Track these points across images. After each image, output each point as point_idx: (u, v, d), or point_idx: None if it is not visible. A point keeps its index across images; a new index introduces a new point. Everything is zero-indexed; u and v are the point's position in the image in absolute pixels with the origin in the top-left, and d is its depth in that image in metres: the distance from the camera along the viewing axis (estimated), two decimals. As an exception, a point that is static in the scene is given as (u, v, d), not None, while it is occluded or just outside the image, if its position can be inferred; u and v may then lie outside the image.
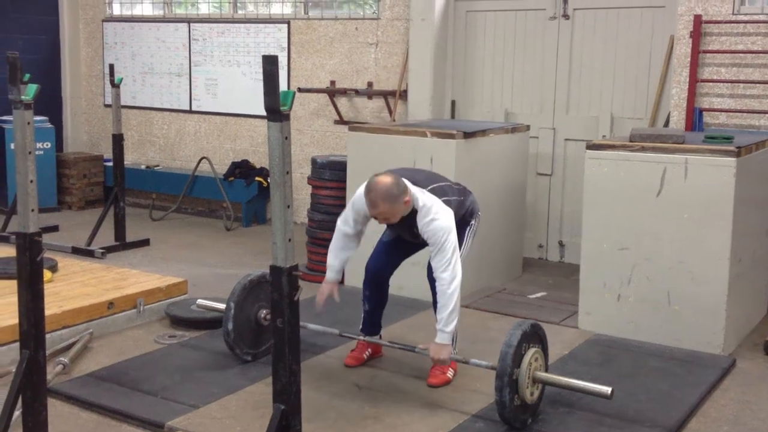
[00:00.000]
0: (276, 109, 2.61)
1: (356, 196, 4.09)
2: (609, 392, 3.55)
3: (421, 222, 3.88)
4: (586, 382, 3.68)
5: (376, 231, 4.32)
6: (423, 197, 3.93)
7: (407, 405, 3.84)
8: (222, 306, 4.44)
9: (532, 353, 3.62)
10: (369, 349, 4.40)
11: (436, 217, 3.87)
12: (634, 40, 6.32)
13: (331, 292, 4.18)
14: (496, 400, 3.53)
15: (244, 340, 4.28)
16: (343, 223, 4.17)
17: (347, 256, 4.22)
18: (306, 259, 6.15)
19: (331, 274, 4.22)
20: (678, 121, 5.99)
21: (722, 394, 4.10)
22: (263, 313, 4.30)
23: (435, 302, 4.08)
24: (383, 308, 4.38)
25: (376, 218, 3.94)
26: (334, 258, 4.21)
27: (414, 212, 3.92)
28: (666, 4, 6.14)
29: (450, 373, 4.12)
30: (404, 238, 4.17)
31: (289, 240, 2.68)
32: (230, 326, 4.22)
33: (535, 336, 3.70)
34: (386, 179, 3.84)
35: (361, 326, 4.40)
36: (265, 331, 4.33)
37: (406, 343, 4.15)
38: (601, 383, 4.02)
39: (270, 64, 2.60)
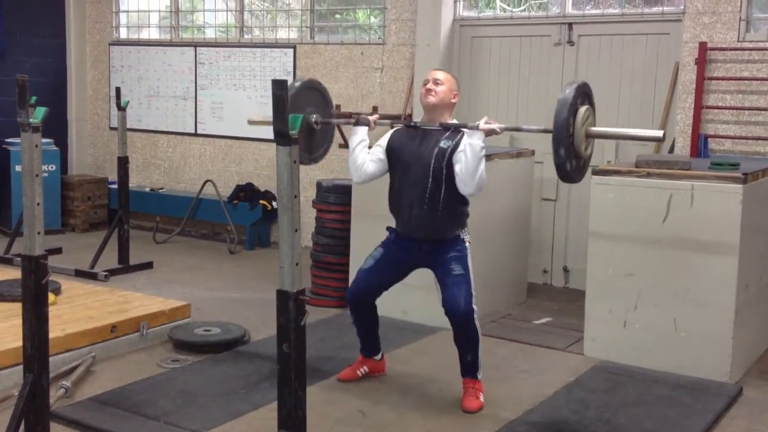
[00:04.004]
0: (285, 133, 2.61)
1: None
2: (661, 135, 3.74)
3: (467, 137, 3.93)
4: (637, 130, 4.00)
5: (364, 252, 4.32)
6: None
7: (412, 432, 3.81)
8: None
9: (584, 110, 3.68)
10: (365, 367, 4.38)
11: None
12: (639, 66, 6.34)
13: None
14: (555, 158, 3.59)
15: (301, 146, 4.21)
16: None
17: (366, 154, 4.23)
18: (310, 283, 6.13)
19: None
20: (683, 147, 5.99)
21: (729, 422, 4.06)
22: (314, 117, 4.20)
23: (455, 338, 4.07)
24: (375, 329, 4.35)
25: (426, 83, 4.05)
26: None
27: (455, 134, 3.99)
28: (671, 31, 6.17)
29: (482, 398, 4.08)
30: (417, 164, 4.04)
31: (297, 264, 2.68)
32: None
33: (585, 94, 3.77)
34: None
35: (360, 348, 4.39)
36: (317, 134, 4.28)
37: (410, 368, 4.11)
38: (607, 412, 4.01)
39: (279, 88, 2.61)
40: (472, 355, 4.06)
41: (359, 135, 4.21)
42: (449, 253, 4.04)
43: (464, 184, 3.92)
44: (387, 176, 4.23)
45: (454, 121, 4.11)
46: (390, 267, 4.19)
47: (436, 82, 4.05)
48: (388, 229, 4.24)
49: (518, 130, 4.07)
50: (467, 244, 4.11)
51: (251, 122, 4.87)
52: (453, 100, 4.10)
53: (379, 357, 4.42)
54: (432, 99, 4.04)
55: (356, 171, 4.20)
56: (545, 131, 3.73)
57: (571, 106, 3.58)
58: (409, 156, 4.07)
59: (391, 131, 4.22)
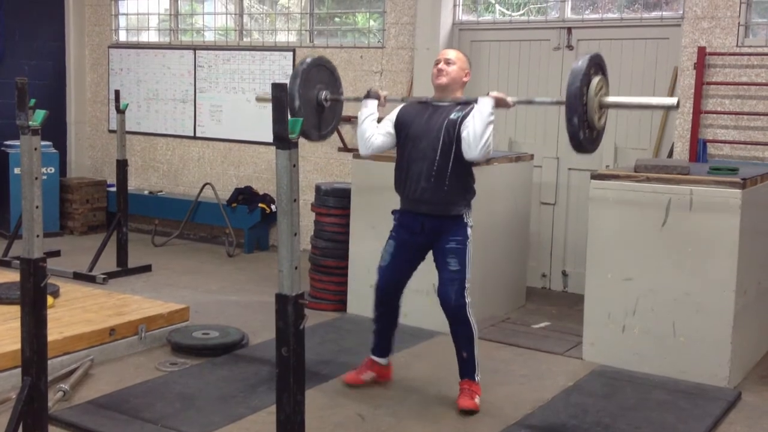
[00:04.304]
0: (284, 136, 2.61)
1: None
2: (675, 102, 3.71)
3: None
4: (650, 98, 3.79)
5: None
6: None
7: (411, 436, 3.80)
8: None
9: (598, 80, 3.67)
10: (371, 372, 4.37)
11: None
12: (638, 71, 6.34)
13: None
14: (568, 127, 3.60)
15: (311, 122, 4.24)
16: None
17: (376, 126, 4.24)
18: (309, 287, 6.12)
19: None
20: (682, 152, 6.00)
21: (728, 427, 4.06)
22: (324, 94, 4.26)
23: (451, 332, 4.11)
24: (392, 331, 4.35)
25: (437, 63, 4.09)
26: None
27: (466, 106, 4.03)
28: (670, 36, 6.18)
29: (477, 400, 4.08)
30: (427, 136, 4.06)
31: (296, 268, 2.68)
32: (296, 103, 4.14)
33: (598, 66, 3.76)
34: None
35: (372, 347, 4.38)
36: (326, 111, 4.32)
37: (409, 372, 4.11)
38: (605, 416, 4.01)
39: (279, 91, 2.61)
40: (468, 352, 4.07)
41: (369, 108, 4.24)
42: (449, 242, 4.06)
43: (469, 147, 3.93)
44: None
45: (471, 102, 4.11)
46: (405, 254, 4.21)
47: (447, 62, 4.07)
48: (393, 212, 4.26)
49: (530, 102, 4.13)
50: (469, 229, 4.12)
51: (259, 99, 4.93)
52: (465, 79, 4.13)
53: (385, 362, 4.41)
54: (444, 79, 4.07)
55: (364, 143, 4.22)
56: (558, 103, 3.76)
57: (584, 75, 3.59)
58: (419, 129, 4.09)
59: (401, 105, 4.23)
